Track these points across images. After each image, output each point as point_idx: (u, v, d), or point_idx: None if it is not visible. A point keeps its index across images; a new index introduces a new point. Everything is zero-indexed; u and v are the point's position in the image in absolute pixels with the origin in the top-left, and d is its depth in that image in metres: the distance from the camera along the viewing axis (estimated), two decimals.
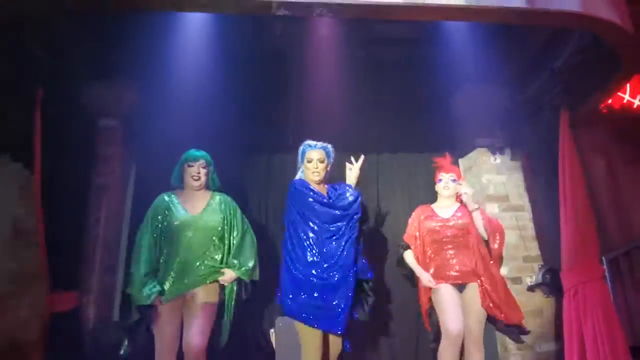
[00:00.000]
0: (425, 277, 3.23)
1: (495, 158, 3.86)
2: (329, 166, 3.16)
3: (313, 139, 3.81)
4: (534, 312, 3.60)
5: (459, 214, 3.33)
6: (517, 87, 3.68)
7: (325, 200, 3.01)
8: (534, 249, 3.72)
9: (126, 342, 2.96)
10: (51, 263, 3.13)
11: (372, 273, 3.04)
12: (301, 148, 3.18)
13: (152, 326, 2.96)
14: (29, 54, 3.08)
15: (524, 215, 3.79)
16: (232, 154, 3.93)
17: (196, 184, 3.20)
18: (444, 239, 3.29)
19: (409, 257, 3.36)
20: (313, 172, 3.09)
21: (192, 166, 3.22)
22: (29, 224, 3.52)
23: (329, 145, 3.19)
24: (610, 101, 3.74)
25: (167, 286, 2.98)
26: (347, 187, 3.09)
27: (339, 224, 2.94)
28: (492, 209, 3.79)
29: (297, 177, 3.17)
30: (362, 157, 3.18)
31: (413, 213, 3.49)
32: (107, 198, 3.67)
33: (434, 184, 3.49)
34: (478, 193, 3.89)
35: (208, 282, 3.03)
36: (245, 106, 3.80)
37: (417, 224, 3.39)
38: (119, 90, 3.70)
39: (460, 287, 3.21)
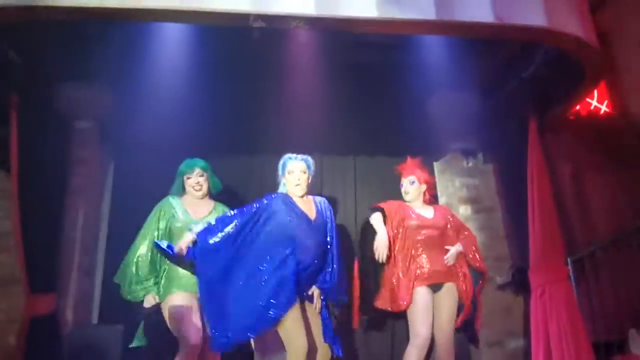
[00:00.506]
0: (382, 239, 3.17)
1: (468, 162, 3.98)
2: (310, 178, 3.08)
3: (291, 143, 3.88)
4: (504, 310, 3.75)
5: (436, 215, 3.38)
6: (488, 94, 3.79)
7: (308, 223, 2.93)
8: (504, 249, 3.86)
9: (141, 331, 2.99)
10: (28, 266, 3.14)
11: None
12: (281, 161, 3.08)
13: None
14: (2, 58, 3.07)
15: (495, 217, 3.93)
16: (210, 157, 3.96)
17: (199, 194, 3.16)
18: (421, 239, 3.26)
19: (376, 218, 3.28)
20: (296, 185, 2.96)
21: (190, 177, 3.18)
22: (4, 227, 3.52)
23: (309, 157, 3.12)
24: (577, 108, 3.89)
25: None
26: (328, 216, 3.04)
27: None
28: (465, 210, 3.92)
29: (279, 190, 3.08)
30: None
31: (390, 204, 3.40)
32: (84, 200, 3.69)
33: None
34: (451, 195, 4.02)
35: None
36: (224, 109, 3.82)
37: (398, 219, 3.34)
38: (95, 93, 3.68)
39: (436, 287, 3.26)
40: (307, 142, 3.98)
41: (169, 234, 3.05)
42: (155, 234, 3.03)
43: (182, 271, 2.99)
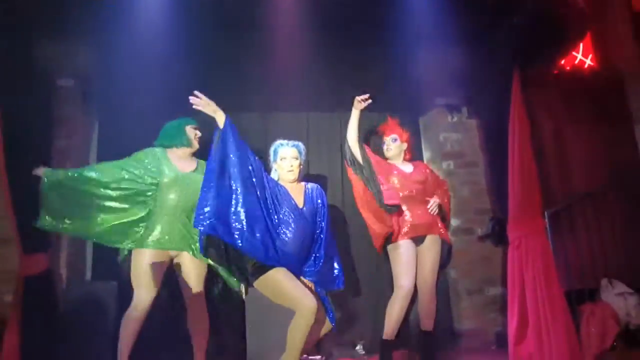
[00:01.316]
0: (352, 133, 3.40)
1: (453, 117, 4.01)
2: (302, 164, 3.09)
3: (276, 101, 3.88)
4: (484, 260, 3.92)
5: (415, 171, 3.48)
6: (473, 48, 3.76)
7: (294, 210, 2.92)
8: (486, 203, 3.97)
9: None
10: (19, 227, 3.18)
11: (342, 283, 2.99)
12: (272, 147, 3.10)
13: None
14: None
15: (477, 171, 4.02)
16: (193, 115, 3.94)
17: (195, 149, 3.31)
18: (403, 195, 3.38)
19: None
20: (288, 171, 2.98)
21: (197, 130, 3.33)
22: None
23: (301, 144, 3.15)
24: (562, 62, 3.90)
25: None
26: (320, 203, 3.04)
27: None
28: (448, 165, 4.00)
29: (271, 176, 3.07)
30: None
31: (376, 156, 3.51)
32: (70, 160, 3.67)
33: None
34: (435, 151, 4.08)
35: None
36: (207, 66, 3.75)
37: (384, 173, 3.45)
38: (76, 49, 3.59)
39: (418, 240, 3.39)
40: (293, 100, 4.00)
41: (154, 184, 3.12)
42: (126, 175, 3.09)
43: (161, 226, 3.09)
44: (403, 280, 3.26)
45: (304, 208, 2.96)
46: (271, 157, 3.12)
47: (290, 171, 2.99)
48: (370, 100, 3.39)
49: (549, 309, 3.21)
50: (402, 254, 3.31)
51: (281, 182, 3.02)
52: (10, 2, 3.03)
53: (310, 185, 3.10)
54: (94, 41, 3.58)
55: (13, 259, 3.28)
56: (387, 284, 3.73)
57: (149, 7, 3.36)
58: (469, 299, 3.87)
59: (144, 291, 2.98)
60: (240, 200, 2.72)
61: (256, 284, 2.74)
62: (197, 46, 3.65)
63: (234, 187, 2.75)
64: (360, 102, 3.38)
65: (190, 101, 2.88)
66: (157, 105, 3.82)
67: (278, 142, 3.12)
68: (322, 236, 2.97)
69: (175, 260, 3.15)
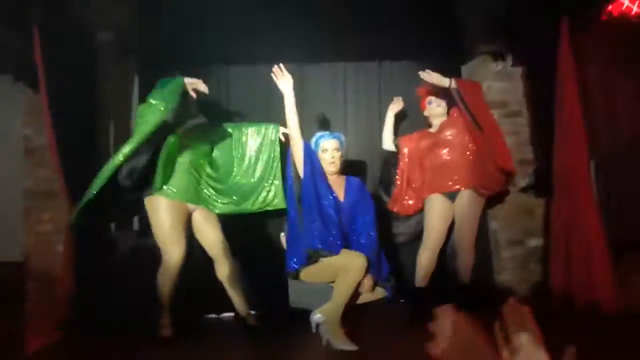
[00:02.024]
0: (388, 136, 3.68)
1: (497, 65, 3.88)
2: (343, 156, 3.12)
3: (312, 50, 3.80)
4: (526, 211, 3.86)
5: (448, 125, 3.54)
6: None
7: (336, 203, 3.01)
8: (529, 153, 3.88)
9: None
10: (67, 178, 3.26)
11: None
12: (314, 139, 3.12)
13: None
14: None
15: (521, 121, 3.90)
16: (231, 66, 3.93)
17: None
18: (435, 151, 3.53)
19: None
20: (330, 163, 3.02)
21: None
22: (39, 143, 3.61)
23: (342, 135, 3.18)
24: (610, 8, 3.70)
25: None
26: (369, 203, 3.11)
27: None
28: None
29: None
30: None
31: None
32: (113, 112, 3.72)
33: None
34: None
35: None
36: (244, 17, 3.69)
37: (415, 143, 3.64)
38: (115, 2, 3.58)
39: (452, 195, 3.43)
40: (330, 49, 3.91)
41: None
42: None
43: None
44: (429, 232, 3.39)
45: (344, 201, 3.03)
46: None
47: (332, 162, 3.03)
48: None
49: (594, 258, 3.19)
50: (432, 206, 3.45)
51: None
52: None
53: (352, 179, 3.16)
54: None
55: (62, 209, 3.40)
56: None
57: None
58: (509, 249, 3.85)
59: (174, 248, 3.04)
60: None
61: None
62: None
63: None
64: (396, 104, 3.58)
65: (272, 71, 3.04)
66: (193, 58, 3.81)
67: (319, 133, 3.15)
68: (371, 234, 3.01)
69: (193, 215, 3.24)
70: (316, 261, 2.83)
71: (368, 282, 2.86)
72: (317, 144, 3.10)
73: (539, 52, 3.65)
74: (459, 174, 3.43)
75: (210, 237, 3.27)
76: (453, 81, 3.39)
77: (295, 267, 2.88)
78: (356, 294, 2.85)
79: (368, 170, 4.01)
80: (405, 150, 3.67)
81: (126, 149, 2.94)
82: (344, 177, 3.16)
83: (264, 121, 3.71)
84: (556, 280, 3.31)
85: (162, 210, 3.07)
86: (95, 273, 3.32)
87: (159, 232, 3.08)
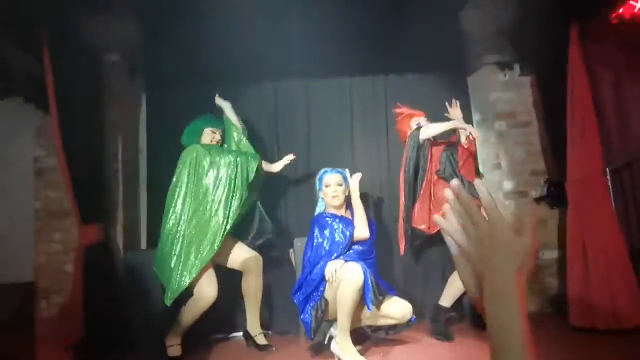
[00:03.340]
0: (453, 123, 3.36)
1: (505, 74, 3.83)
2: (347, 190, 3.17)
3: (319, 65, 3.81)
4: (539, 223, 3.77)
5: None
6: (527, 1, 3.57)
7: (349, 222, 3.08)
8: (540, 164, 3.81)
9: None
10: (77, 198, 3.28)
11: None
12: (317, 176, 3.22)
13: None
14: None
15: (530, 131, 3.85)
16: (238, 83, 3.95)
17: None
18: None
19: (429, 128, 3.37)
20: (333, 197, 3.10)
21: (215, 133, 3.40)
22: (49, 164, 3.66)
23: (346, 170, 3.24)
24: (621, 11, 3.64)
25: None
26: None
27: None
28: (500, 126, 3.84)
29: (318, 206, 3.22)
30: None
31: None
32: (122, 132, 3.75)
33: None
34: (486, 111, 3.92)
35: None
36: (252, 36, 3.71)
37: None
38: (121, 24, 3.64)
39: None
40: (336, 63, 3.91)
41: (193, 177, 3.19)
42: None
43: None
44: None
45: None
46: (316, 186, 3.22)
47: (334, 196, 3.10)
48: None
49: (613, 269, 3.09)
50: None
51: (327, 210, 3.13)
52: None
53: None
54: (138, 15, 3.61)
55: (72, 230, 3.42)
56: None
57: None
58: None
59: (209, 287, 3.06)
60: None
61: None
62: (238, 15, 3.61)
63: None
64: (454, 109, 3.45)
65: None
66: (200, 77, 3.85)
67: (322, 170, 3.22)
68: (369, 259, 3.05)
69: None
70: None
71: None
72: (320, 179, 3.20)
73: (548, 59, 3.61)
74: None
75: (243, 249, 3.28)
76: (470, 133, 3.35)
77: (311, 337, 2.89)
78: (380, 315, 2.88)
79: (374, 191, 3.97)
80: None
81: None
82: (349, 210, 3.20)
83: (270, 137, 3.71)
84: (573, 293, 3.20)
85: None
86: (105, 293, 3.31)
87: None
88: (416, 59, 3.87)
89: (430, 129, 3.33)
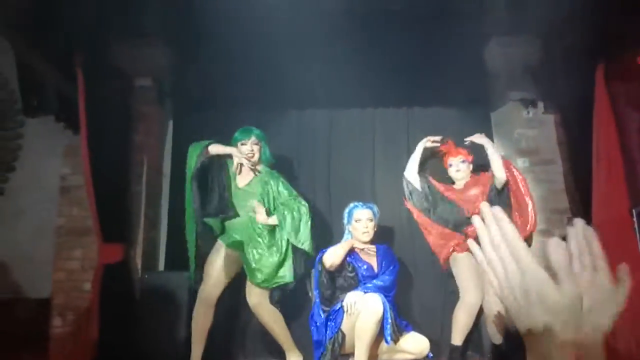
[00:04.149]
0: (413, 167, 3.51)
1: (528, 112, 3.83)
2: (376, 226, 3.20)
3: (343, 96, 3.86)
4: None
5: (473, 184, 3.47)
6: (553, 39, 3.59)
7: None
8: (563, 202, 3.76)
9: None
10: (99, 218, 3.33)
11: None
12: (347, 209, 3.23)
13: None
14: (66, 16, 3.13)
15: (554, 169, 3.81)
16: (263, 109, 4.02)
17: (250, 162, 3.27)
18: (460, 210, 3.40)
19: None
20: (363, 233, 3.11)
21: (245, 144, 3.29)
22: (74, 182, 3.72)
23: (375, 205, 3.27)
24: None
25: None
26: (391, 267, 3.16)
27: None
28: (523, 163, 3.81)
29: (344, 239, 3.23)
30: None
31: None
32: (147, 155, 3.82)
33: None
34: (509, 147, 3.91)
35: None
36: (280, 65, 3.78)
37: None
38: (152, 50, 3.75)
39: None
40: (359, 95, 3.96)
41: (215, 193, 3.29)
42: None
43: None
44: (466, 296, 3.23)
45: (379, 272, 3.09)
46: (345, 220, 3.24)
47: (365, 232, 3.10)
48: (439, 144, 3.54)
49: (639, 313, 2.99)
50: (461, 267, 3.30)
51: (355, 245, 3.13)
52: (88, 4, 3.14)
53: (380, 247, 3.21)
54: (169, 42, 3.71)
55: (93, 248, 3.45)
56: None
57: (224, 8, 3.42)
58: None
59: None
60: None
61: None
62: (265, 45, 3.69)
63: None
64: (430, 142, 3.52)
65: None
66: (228, 104, 3.93)
67: (352, 204, 3.24)
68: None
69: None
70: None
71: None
72: (350, 213, 3.20)
73: (573, 98, 3.60)
74: None
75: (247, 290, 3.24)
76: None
77: None
78: (397, 350, 2.86)
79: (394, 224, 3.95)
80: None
81: None
82: (374, 246, 3.19)
83: (291, 165, 3.73)
84: None
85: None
86: (120, 313, 3.31)
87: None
88: (440, 92, 3.89)
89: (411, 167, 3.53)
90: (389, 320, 2.70)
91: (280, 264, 3.07)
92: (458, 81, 3.75)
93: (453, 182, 3.58)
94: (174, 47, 3.76)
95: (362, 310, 2.70)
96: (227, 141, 3.43)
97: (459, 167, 3.49)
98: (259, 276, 3.03)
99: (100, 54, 3.48)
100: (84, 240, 3.66)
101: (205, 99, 3.88)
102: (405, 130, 4.08)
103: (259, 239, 3.14)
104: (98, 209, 3.31)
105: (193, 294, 3.25)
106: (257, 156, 3.30)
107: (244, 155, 3.25)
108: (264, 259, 3.06)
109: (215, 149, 3.26)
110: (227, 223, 3.29)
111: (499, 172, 3.30)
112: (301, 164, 4.05)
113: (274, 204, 3.26)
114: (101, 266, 3.34)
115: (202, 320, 3.14)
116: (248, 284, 3.16)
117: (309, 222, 3.12)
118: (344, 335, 2.80)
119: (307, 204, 3.23)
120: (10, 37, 2.97)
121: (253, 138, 3.29)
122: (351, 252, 3.10)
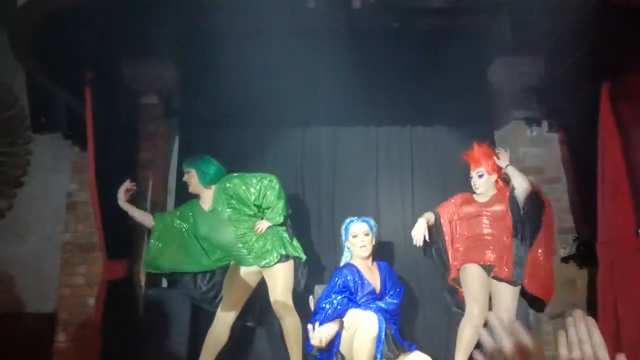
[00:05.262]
0: (417, 224, 3.28)
1: (532, 130, 3.83)
2: (374, 240, 3.17)
3: (345, 114, 3.89)
4: (567, 283, 3.65)
5: (495, 200, 3.36)
6: (557, 58, 3.61)
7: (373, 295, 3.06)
8: (568, 221, 3.73)
9: None
10: (105, 234, 3.36)
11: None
12: (343, 226, 3.20)
13: None
14: (75, 36, 3.20)
15: (558, 188, 3.79)
16: (267, 127, 4.05)
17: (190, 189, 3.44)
18: (479, 222, 3.32)
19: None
20: (361, 247, 3.07)
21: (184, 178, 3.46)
22: (81, 198, 3.77)
23: (371, 219, 3.23)
24: None
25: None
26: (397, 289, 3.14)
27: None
28: None
29: (344, 256, 3.22)
30: None
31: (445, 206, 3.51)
32: (152, 172, 3.86)
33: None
34: (514, 166, 3.89)
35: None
36: (285, 82, 3.82)
37: (454, 207, 3.44)
38: (159, 68, 3.82)
39: (489, 268, 3.24)
40: (363, 113, 3.98)
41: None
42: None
43: None
44: (471, 307, 3.16)
45: (380, 292, 3.05)
46: (342, 237, 3.21)
47: (362, 247, 3.06)
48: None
49: None
50: (471, 276, 3.23)
51: (353, 261, 3.11)
52: (97, 25, 3.18)
53: (382, 265, 3.19)
54: (175, 60, 3.78)
55: (97, 264, 3.48)
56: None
57: (229, 28, 3.48)
58: (551, 323, 3.61)
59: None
60: None
61: None
62: (270, 63, 3.74)
63: None
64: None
65: None
66: (233, 122, 3.97)
67: (348, 219, 3.20)
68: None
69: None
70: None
71: None
72: (346, 229, 3.16)
73: (578, 117, 3.60)
74: (497, 251, 3.26)
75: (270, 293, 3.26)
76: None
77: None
78: None
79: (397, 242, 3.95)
80: (446, 216, 3.48)
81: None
82: (376, 263, 3.16)
83: (295, 182, 3.76)
84: None
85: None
86: (123, 329, 3.32)
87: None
88: (444, 111, 3.91)
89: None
90: (382, 339, 2.69)
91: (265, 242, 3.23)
92: (462, 100, 3.78)
93: None
94: (180, 65, 3.84)
95: (358, 329, 2.68)
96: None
97: (475, 182, 3.36)
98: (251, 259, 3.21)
99: (108, 72, 3.55)
100: (89, 256, 3.69)
101: (211, 117, 3.92)
102: (408, 149, 4.09)
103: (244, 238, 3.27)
104: (103, 225, 3.34)
105: (195, 311, 3.26)
106: (193, 182, 3.37)
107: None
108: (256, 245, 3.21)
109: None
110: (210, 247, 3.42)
111: (517, 181, 3.20)
112: (305, 182, 4.07)
113: (251, 200, 3.29)
114: (105, 282, 3.36)
115: (216, 339, 3.18)
116: (269, 284, 3.21)
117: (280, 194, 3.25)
118: (343, 357, 2.78)
119: (273, 177, 3.30)
120: (21, 57, 3.03)
121: (185, 168, 3.43)
122: (354, 269, 3.07)
